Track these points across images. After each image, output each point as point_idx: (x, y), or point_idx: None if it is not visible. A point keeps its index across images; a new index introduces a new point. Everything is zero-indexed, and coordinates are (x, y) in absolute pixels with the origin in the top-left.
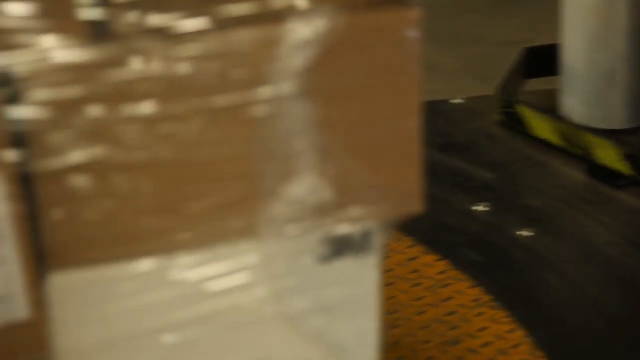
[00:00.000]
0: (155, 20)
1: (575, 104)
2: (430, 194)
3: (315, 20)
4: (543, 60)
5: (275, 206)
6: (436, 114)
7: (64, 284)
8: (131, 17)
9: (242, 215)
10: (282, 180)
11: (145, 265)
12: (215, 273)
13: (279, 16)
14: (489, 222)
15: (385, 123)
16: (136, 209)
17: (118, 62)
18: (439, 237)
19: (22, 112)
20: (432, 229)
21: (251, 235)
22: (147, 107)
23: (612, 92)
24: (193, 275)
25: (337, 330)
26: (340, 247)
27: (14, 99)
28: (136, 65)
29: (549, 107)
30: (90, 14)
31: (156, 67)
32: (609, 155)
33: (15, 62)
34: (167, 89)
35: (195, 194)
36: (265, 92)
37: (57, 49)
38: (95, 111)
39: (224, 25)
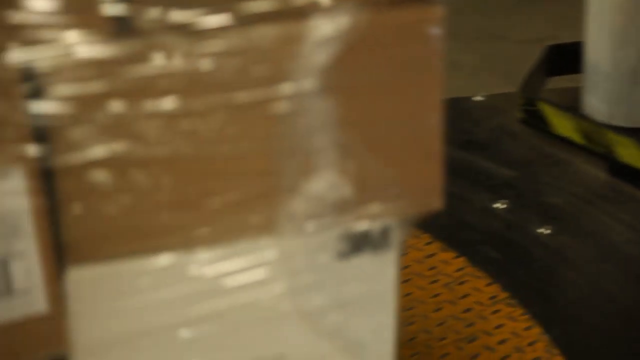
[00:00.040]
0: (178, 16)
1: (598, 102)
2: (449, 191)
3: (337, 17)
4: (566, 58)
5: (295, 202)
6: (458, 111)
7: (82, 279)
8: (154, 13)
9: (261, 211)
10: (302, 176)
11: (163, 260)
12: (233, 269)
13: (301, 13)
14: (509, 219)
15: (407, 120)
16: (155, 204)
17: (140, 57)
18: (458, 234)
19: (44, 107)
20: (451, 226)
21: (270, 231)
22: (168, 103)
23: (635, 90)
24: (211, 270)
25: (354, 327)
26: (359, 244)
27: (37, 93)
28: (158, 61)
29: (571, 105)
30: (113, 9)
31: (178, 62)
32: (630, 154)
33: (38, 57)
34: (189, 84)
35: (214, 189)
36: (286, 88)
37: (80, 44)
38: (116, 106)
39: (245, 21)
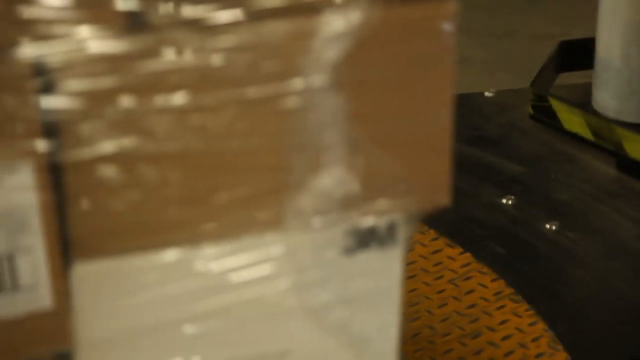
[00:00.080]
0: (189, 11)
1: (608, 98)
2: (457, 187)
3: (349, 12)
4: (578, 54)
5: (302, 198)
6: (468, 107)
7: (88, 274)
8: (166, 8)
9: (269, 206)
10: (310, 172)
11: (170, 255)
12: (239, 264)
13: (313, 8)
14: (516, 215)
15: (417, 116)
16: (163, 199)
17: (152, 53)
18: (465, 230)
19: (54, 102)
20: (458, 222)
21: (277, 227)
22: (178, 98)
23: None
24: (217, 266)
25: (359, 323)
26: (365, 239)
27: (47, 89)
28: (169, 56)
29: (582, 101)
30: (125, 4)
31: (189, 58)
32: (639, 149)
33: (50, 52)
34: (199, 80)
35: (222, 184)
36: (297, 84)
37: (91, 39)
38: (127, 102)
39: (257, 16)
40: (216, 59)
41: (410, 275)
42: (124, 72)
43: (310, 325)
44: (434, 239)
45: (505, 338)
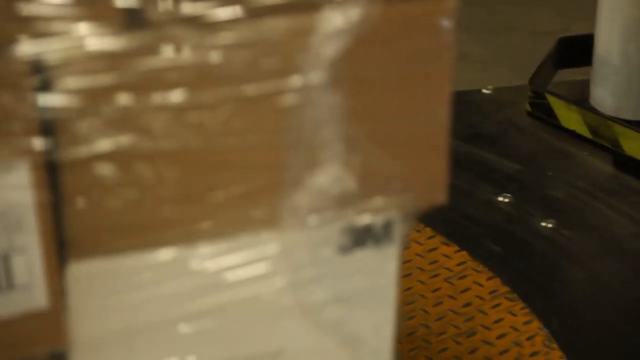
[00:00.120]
0: (189, 8)
1: (605, 95)
2: (454, 185)
3: (348, 9)
4: (577, 51)
5: (298, 196)
6: (466, 104)
7: (83, 274)
8: (165, 5)
9: (265, 204)
10: (307, 170)
11: (165, 254)
12: (235, 263)
13: (312, 5)
14: (512, 213)
15: (414, 113)
16: (159, 198)
17: (150, 50)
18: (461, 228)
19: (52, 100)
20: (454, 220)
21: (273, 225)
22: (176, 96)
23: None
24: (212, 264)
25: (354, 321)
26: (361, 237)
27: (45, 86)
28: (168, 54)
29: (579, 98)
30: (124, 1)
31: (187, 55)
32: (637, 147)
33: (48, 49)
34: (198, 77)
35: (219, 183)
36: (296, 81)
37: (90, 37)
38: (125, 99)
39: (256, 13)
40: (215, 56)
41: (406, 274)
42: (122, 70)
43: (305, 324)
44: (430, 237)
45: (500, 336)
